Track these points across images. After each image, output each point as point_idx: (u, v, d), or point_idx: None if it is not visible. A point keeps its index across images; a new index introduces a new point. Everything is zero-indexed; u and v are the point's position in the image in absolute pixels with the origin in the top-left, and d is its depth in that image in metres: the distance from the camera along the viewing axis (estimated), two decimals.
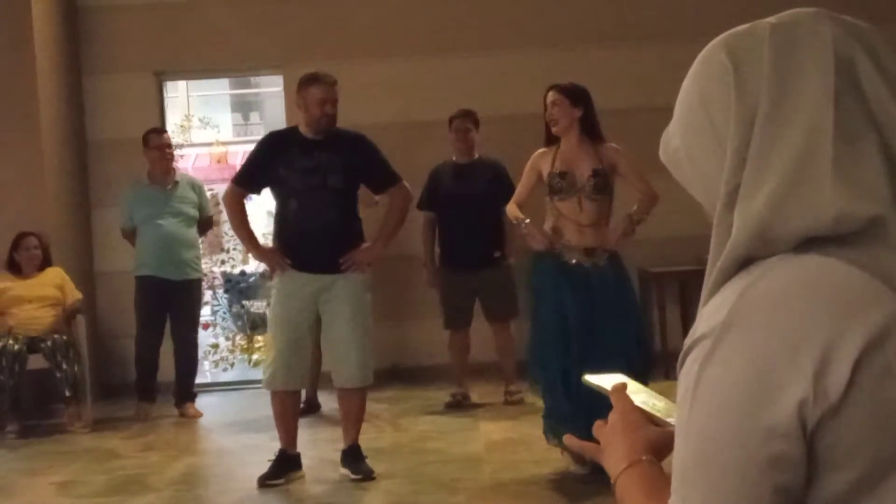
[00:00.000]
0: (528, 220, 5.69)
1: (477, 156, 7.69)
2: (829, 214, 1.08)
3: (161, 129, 8.10)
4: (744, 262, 1.12)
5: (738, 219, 1.11)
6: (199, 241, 8.30)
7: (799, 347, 1.04)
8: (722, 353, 1.07)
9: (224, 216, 8.44)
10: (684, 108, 1.22)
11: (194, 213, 8.03)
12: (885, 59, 1.13)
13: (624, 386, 1.39)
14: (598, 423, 1.38)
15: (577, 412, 5.08)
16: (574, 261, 5.56)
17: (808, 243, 1.10)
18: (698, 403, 1.09)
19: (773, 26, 1.16)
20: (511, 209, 5.86)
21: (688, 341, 1.13)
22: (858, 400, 1.03)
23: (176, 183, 7.98)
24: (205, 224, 8.27)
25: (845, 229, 1.08)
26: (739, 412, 1.05)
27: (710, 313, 1.11)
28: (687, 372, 1.12)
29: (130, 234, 7.96)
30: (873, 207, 1.08)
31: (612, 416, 1.36)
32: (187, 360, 8.01)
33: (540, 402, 5.88)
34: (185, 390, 7.96)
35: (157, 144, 7.95)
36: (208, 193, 8.67)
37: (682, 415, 1.11)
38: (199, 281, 8.22)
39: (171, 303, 7.83)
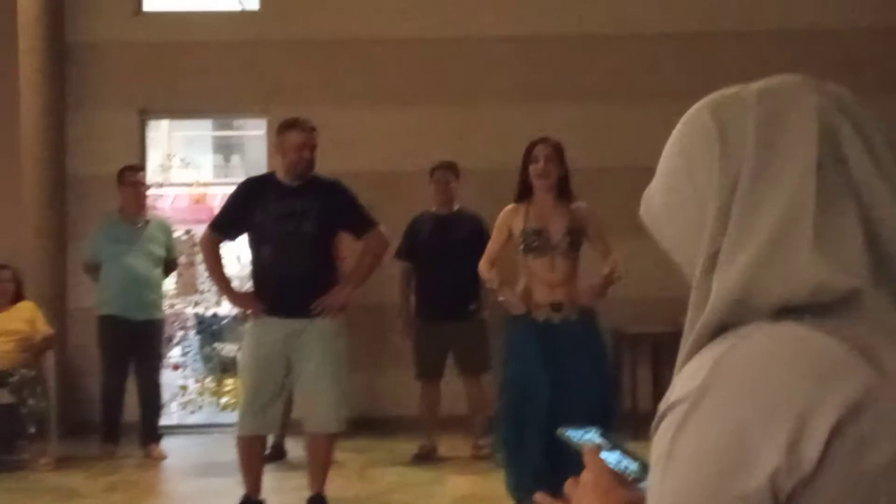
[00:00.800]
0: (501, 285, 5.70)
1: (456, 208, 7.72)
2: (808, 284, 1.07)
3: (137, 167, 8.09)
4: (720, 328, 1.11)
5: (717, 284, 1.11)
6: (164, 282, 8.24)
7: (774, 416, 1.03)
8: (697, 419, 1.07)
9: (200, 258, 8.41)
10: (667, 168, 1.22)
11: (162, 253, 8.00)
12: (869, 130, 1.14)
13: (598, 447, 1.38)
14: (570, 481, 1.36)
15: (542, 471, 5.08)
16: (543, 318, 5.56)
17: (785, 312, 1.09)
18: (672, 468, 1.08)
19: (760, 92, 1.16)
20: (483, 268, 5.85)
21: (662, 405, 1.12)
22: (832, 471, 1.02)
23: (147, 222, 7.96)
24: (170, 266, 8.24)
25: (823, 300, 1.08)
26: (712, 480, 1.04)
27: (686, 378, 1.10)
28: (661, 436, 1.11)
29: (94, 269, 7.92)
30: (851, 280, 1.08)
31: (585, 476, 1.35)
32: (152, 400, 7.94)
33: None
34: (151, 430, 7.89)
35: (132, 182, 7.92)
36: (185, 234, 8.64)
37: (655, 479, 1.11)
38: (161, 321, 8.18)
39: (135, 343, 7.77)
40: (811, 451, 1.02)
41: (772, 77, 1.19)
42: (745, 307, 1.10)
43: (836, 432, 1.02)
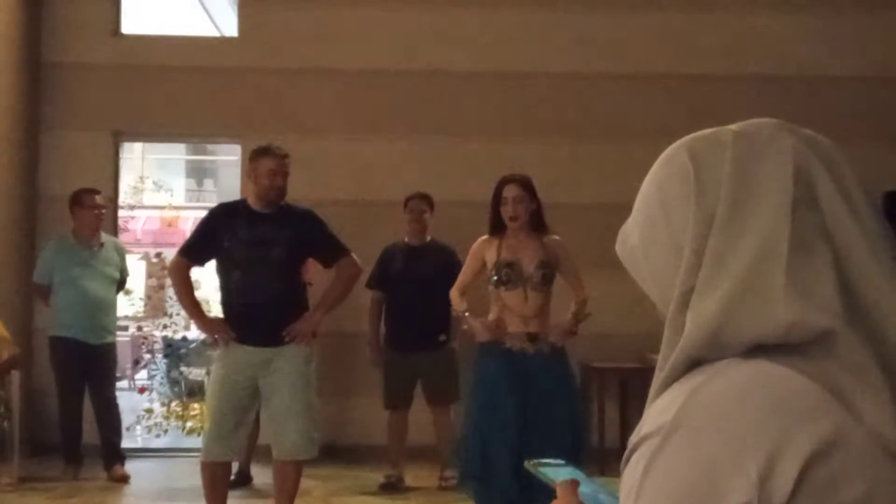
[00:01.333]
0: (467, 313, 5.72)
1: (429, 238, 7.74)
2: (782, 323, 1.08)
3: (94, 190, 8.00)
4: (693, 364, 1.12)
5: (691, 320, 1.12)
6: (116, 304, 8.21)
7: (745, 452, 1.04)
8: (668, 453, 1.07)
9: (169, 281, 8.38)
10: (643, 205, 1.23)
11: (117, 275, 7.99)
12: (844, 173, 1.15)
13: (574, 481, 1.38)
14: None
15: (511, 499, 5.10)
16: (518, 348, 5.58)
17: (758, 349, 1.10)
18: (642, 502, 1.08)
19: (736, 134, 1.18)
20: (454, 295, 5.88)
21: (633, 438, 1.12)
22: None
23: (101, 244, 7.93)
24: (120, 286, 8.22)
25: (796, 339, 1.09)
26: None
27: (658, 412, 1.11)
28: (631, 470, 1.11)
29: (45, 291, 7.87)
30: (825, 320, 1.08)
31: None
32: (111, 421, 7.89)
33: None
34: (113, 452, 7.84)
35: (90, 204, 7.88)
36: (156, 257, 8.62)
37: None
38: (114, 344, 8.13)
39: (90, 366, 7.73)
40: (781, 487, 1.02)
41: (749, 120, 1.21)
42: (718, 343, 1.11)
43: (806, 469, 1.02)
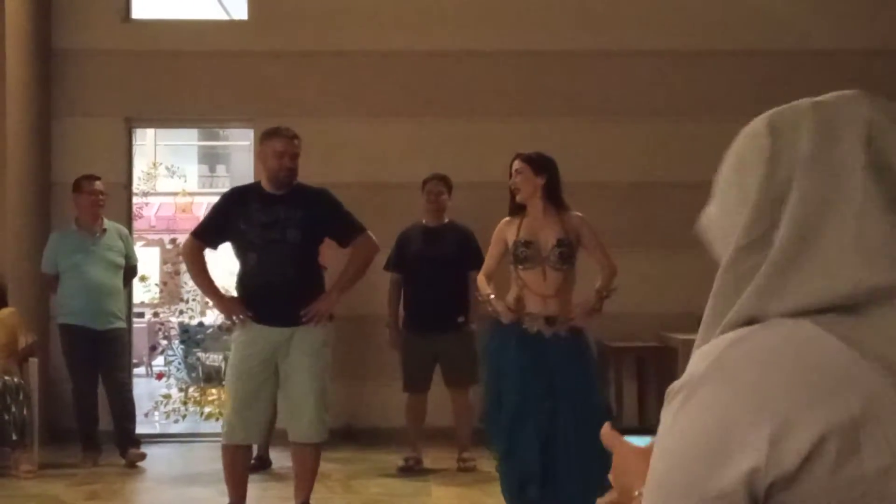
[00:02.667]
0: (492, 296, 5.71)
1: (447, 220, 7.72)
2: (848, 282, 1.11)
3: (94, 176, 7.98)
4: (752, 320, 1.15)
5: (759, 280, 1.14)
6: (124, 290, 8.20)
7: (763, 414, 1.06)
8: (692, 404, 1.12)
9: (184, 266, 8.38)
10: (722, 176, 1.26)
11: (121, 261, 7.98)
12: None
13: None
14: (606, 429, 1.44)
15: (535, 475, 5.17)
16: (535, 329, 5.56)
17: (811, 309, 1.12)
18: (664, 450, 1.14)
19: (815, 104, 1.22)
20: (481, 281, 5.87)
21: (675, 384, 1.16)
22: (815, 476, 1.04)
23: (104, 230, 7.93)
24: (129, 273, 8.22)
25: (863, 298, 1.11)
26: (692, 469, 1.09)
27: (696, 360, 1.15)
28: (666, 413, 1.16)
29: (52, 280, 7.89)
30: (890, 275, 1.11)
31: (619, 453, 1.40)
32: (124, 407, 7.89)
33: (492, 470, 5.85)
34: (127, 437, 7.85)
35: (90, 190, 7.88)
36: (171, 243, 8.61)
37: (653, 458, 1.16)
38: (124, 330, 8.15)
39: (100, 352, 7.75)
40: (794, 452, 1.05)
41: (829, 93, 1.25)
42: (781, 305, 1.13)
43: (821, 443, 1.04)
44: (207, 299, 7.08)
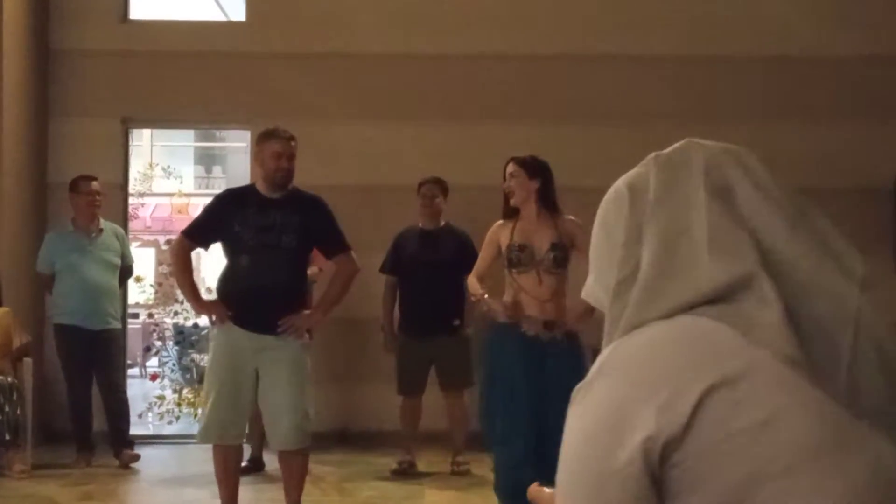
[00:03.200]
0: (486, 296, 5.71)
1: (443, 223, 7.72)
2: (709, 282, 1.27)
3: (91, 176, 7.98)
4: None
5: (635, 295, 1.31)
6: (120, 290, 8.20)
7: (651, 389, 1.21)
8: (589, 397, 1.27)
9: None
10: (594, 245, 1.45)
11: (117, 261, 7.97)
12: (752, 165, 1.37)
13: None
14: (534, 487, 1.56)
15: (525, 476, 5.15)
16: (533, 333, 5.57)
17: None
18: (568, 445, 1.28)
19: (656, 156, 1.42)
20: (472, 282, 5.88)
21: (576, 387, 1.31)
22: (702, 431, 1.17)
23: (101, 230, 7.93)
24: (125, 273, 8.22)
25: (723, 292, 1.27)
26: (593, 448, 1.23)
27: (593, 366, 1.31)
28: (568, 415, 1.30)
29: (48, 280, 7.89)
30: (743, 266, 1.27)
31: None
32: (118, 407, 7.90)
33: (486, 474, 5.85)
34: (121, 437, 7.84)
35: (86, 191, 7.88)
36: (166, 244, 8.60)
37: (560, 454, 1.29)
38: (119, 331, 8.16)
39: (95, 352, 7.75)
40: (680, 413, 1.18)
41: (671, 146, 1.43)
42: (658, 310, 1.29)
43: (708, 395, 1.18)
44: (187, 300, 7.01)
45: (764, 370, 1.19)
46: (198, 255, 6.18)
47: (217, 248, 5.97)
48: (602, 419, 1.23)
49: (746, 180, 1.34)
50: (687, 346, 1.23)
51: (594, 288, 1.45)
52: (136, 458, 7.77)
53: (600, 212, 1.44)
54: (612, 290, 1.35)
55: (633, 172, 1.43)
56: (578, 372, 5.61)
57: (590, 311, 5.67)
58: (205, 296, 6.33)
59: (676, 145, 1.42)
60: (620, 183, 1.42)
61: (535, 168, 5.68)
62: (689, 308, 1.27)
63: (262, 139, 5.78)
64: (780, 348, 1.20)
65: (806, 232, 1.31)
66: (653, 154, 1.42)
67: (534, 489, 1.56)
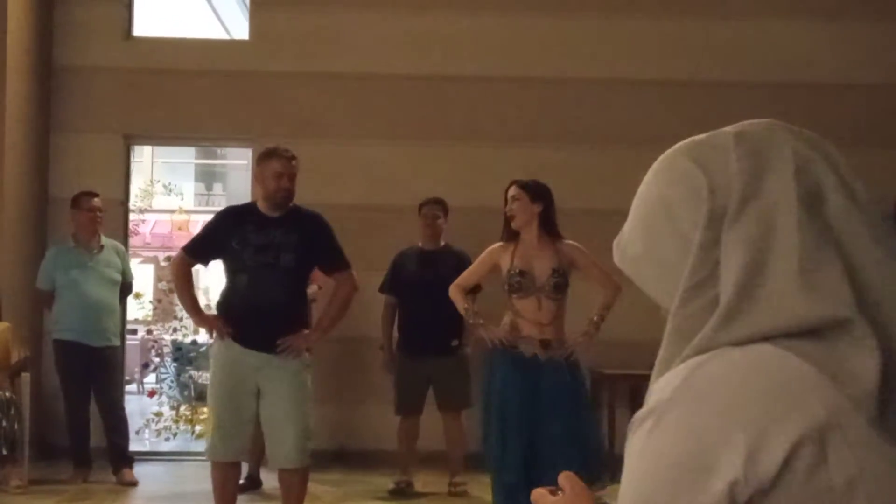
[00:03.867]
0: (481, 321, 5.72)
1: (443, 244, 7.73)
2: (796, 316, 1.13)
3: (92, 193, 7.99)
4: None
5: (714, 319, 1.16)
6: (120, 307, 8.19)
7: (735, 429, 1.08)
8: (662, 429, 1.13)
9: None
10: (645, 214, 1.27)
11: (118, 278, 7.97)
12: (843, 168, 1.20)
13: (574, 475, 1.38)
14: (539, 491, 1.37)
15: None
16: (531, 354, 5.56)
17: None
18: (638, 475, 1.14)
19: (737, 135, 1.22)
20: (454, 293, 5.86)
21: (639, 413, 1.17)
22: (790, 485, 1.07)
23: (101, 247, 7.93)
24: (126, 290, 8.22)
25: (810, 328, 1.13)
26: (674, 489, 1.10)
27: (660, 389, 1.16)
28: (631, 447, 1.16)
29: (48, 296, 7.89)
30: (837, 310, 1.12)
31: (563, 483, 1.34)
32: (117, 424, 7.88)
33: (483, 495, 5.85)
34: (120, 455, 7.83)
35: (88, 207, 7.88)
36: (166, 261, 8.60)
37: (624, 483, 1.16)
38: (119, 348, 8.16)
39: (94, 369, 7.74)
40: (770, 463, 1.07)
41: (742, 122, 1.26)
42: (732, 336, 1.14)
43: (794, 451, 1.07)
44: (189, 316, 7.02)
45: (852, 425, 1.09)
46: (196, 270, 6.16)
47: (217, 264, 5.99)
48: (683, 453, 1.11)
49: (840, 189, 1.18)
50: (774, 385, 1.11)
51: (633, 248, 1.29)
52: (135, 482, 7.72)
53: (657, 184, 1.27)
54: (680, 295, 1.20)
55: (699, 148, 1.25)
56: (576, 395, 5.63)
57: (592, 332, 5.68)
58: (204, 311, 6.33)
59: (758, 126, 1.24)
60: (684, 159, 1.24)
61: (538, 192, 5.68)
62: (769, 337, 1.14)
63: (264, 158, 5.78)
64: (868, 407, 1.10)
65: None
66: (730, 131, 1.24)
67: (538, 493, 1.40)
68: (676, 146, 1.27)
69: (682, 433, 1.11)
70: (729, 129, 1.24)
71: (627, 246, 1.30)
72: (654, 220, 1.25)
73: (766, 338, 1.13)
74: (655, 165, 1.28)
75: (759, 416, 1.08)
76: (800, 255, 1.14)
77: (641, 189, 1.29)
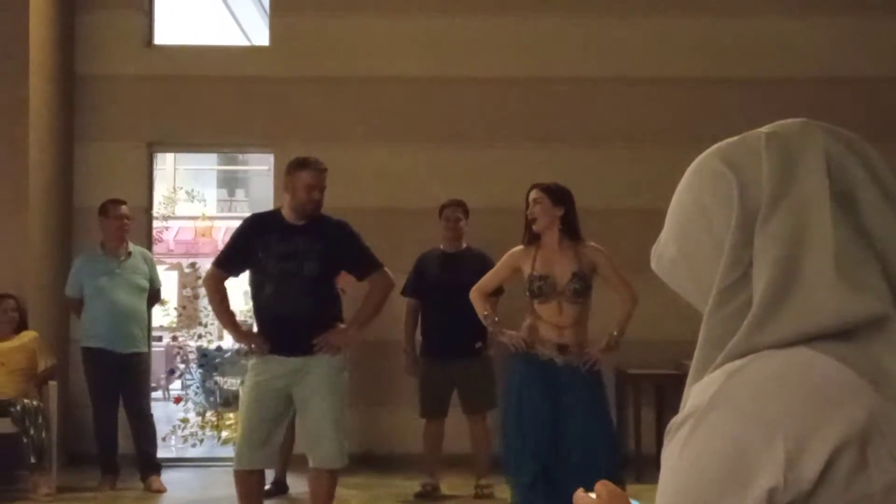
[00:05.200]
0: (500, 327, 5.72)
1: (465, 246, 7.73)
2: (833, 315, 1.11)
3: (120, 201, 8.04)
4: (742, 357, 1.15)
5: (749, 321, 1.14)
6: (147, 314, 8.21)
7: (775, 434, 1.07)
8: (701, 433, 1.11)
9: (203, 291, 8.38)
10: (679, 217, 1.27)
11: (146, 284, 8.00)
12: (876, 165, 1.19)
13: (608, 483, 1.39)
14: (580, 493, 1.37)
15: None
16: (549, 357, 5.56)
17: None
18: (677, 471, 1.13)
19: (768, 136, 1.21)
20: (475, 297, 5.88)
21: (676, 419, 1.16)
22: (829, 492, 1.06)
23: (129, 254, 7.96)
24: (154, 297, 8.25)
25: (848, 327, 1.11)
26: (711, 496, 1.09)
27: (697, 393, 1.15)
28: (670, 451, 1.15)
29: (76, 304, 7.92)
30: (878, 307, 1.12)
31: (599, 490, 1.36)
32: (145, 431, 7.92)
33: (509, 497, 5.84)
34: (148, 462, 7.86)
35: (115, 215, 7.92)
36: (189, 267, 8.63)
37: (661, 482, 1.15)
38: (146, 354, 8.18)
39: (122, 376, 7.77)
40: (810, 469, 1.06)
41: (776, 122, 1.25)
42: (770, 338, 1.13)
43: (836, 454, 1.06)
44: (228, 332, 7.02)
45: (892, 430, 1.08)
46: None
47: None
48: (722, 457, 1.09)
49: (874, 187, 1.17)
50: (813, 390, 1.09)
51: (668, 252, 1.29)
52: (163, 490, 7.76)
53: (691, 187, 1.26)
54: (713, 298, 1.19)
55: (731, 149, 1.24)
56: (595, 399, 5.61)
57: (612, 344, 5.67)
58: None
59: (791, 126, 1.23)
60: (717, 161, 1.23)
61: (560, 195, 5.67)
62: (806, 339, 1.12)
63: (294, 168, 5.76)
64: None
65: None
66: (763, 131, 1.23)
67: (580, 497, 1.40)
68: (710, 149, 1.26)
69: (720, 439, 1.10)
70: (763, 129, 1.24)
71: (664, 251, 1.30)
72: (687, 224, 1.25)
73: (802, 339, 1.12)
74: (689, 169, 1.28)
75: (798, 422, 1.07)
76: (835, 252, 1.12)
77: (676, 193, 1.29)
